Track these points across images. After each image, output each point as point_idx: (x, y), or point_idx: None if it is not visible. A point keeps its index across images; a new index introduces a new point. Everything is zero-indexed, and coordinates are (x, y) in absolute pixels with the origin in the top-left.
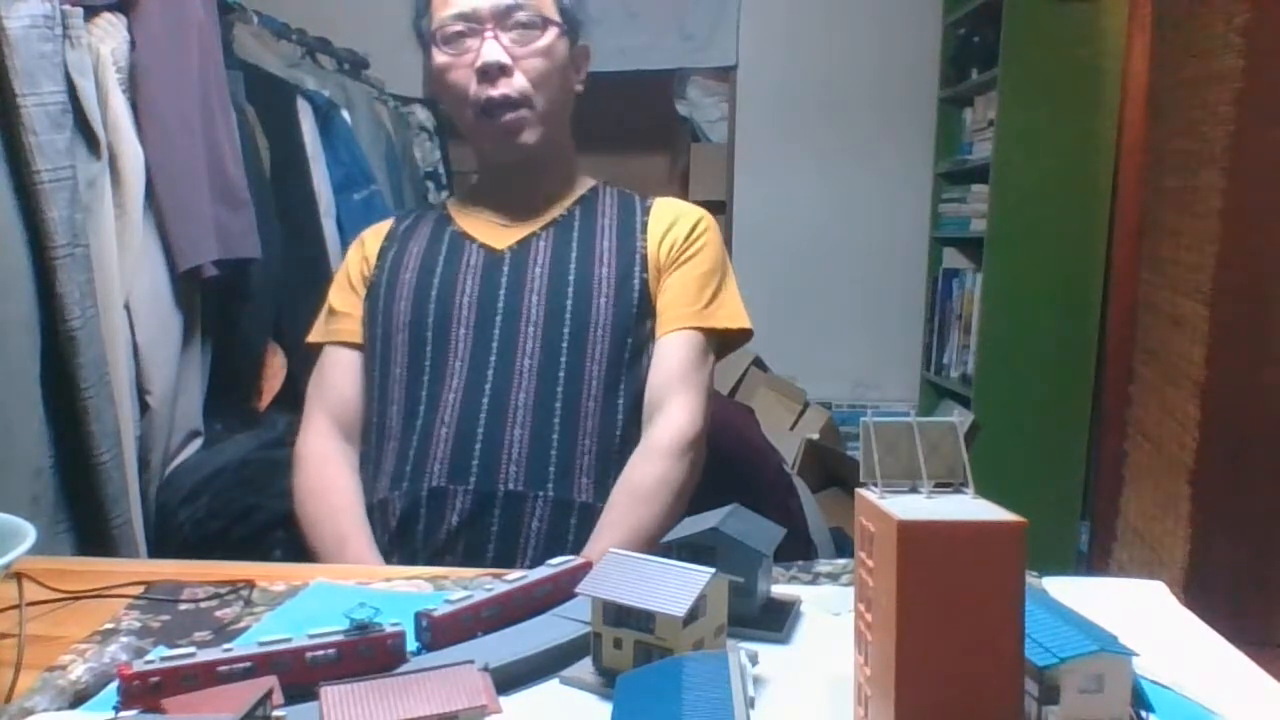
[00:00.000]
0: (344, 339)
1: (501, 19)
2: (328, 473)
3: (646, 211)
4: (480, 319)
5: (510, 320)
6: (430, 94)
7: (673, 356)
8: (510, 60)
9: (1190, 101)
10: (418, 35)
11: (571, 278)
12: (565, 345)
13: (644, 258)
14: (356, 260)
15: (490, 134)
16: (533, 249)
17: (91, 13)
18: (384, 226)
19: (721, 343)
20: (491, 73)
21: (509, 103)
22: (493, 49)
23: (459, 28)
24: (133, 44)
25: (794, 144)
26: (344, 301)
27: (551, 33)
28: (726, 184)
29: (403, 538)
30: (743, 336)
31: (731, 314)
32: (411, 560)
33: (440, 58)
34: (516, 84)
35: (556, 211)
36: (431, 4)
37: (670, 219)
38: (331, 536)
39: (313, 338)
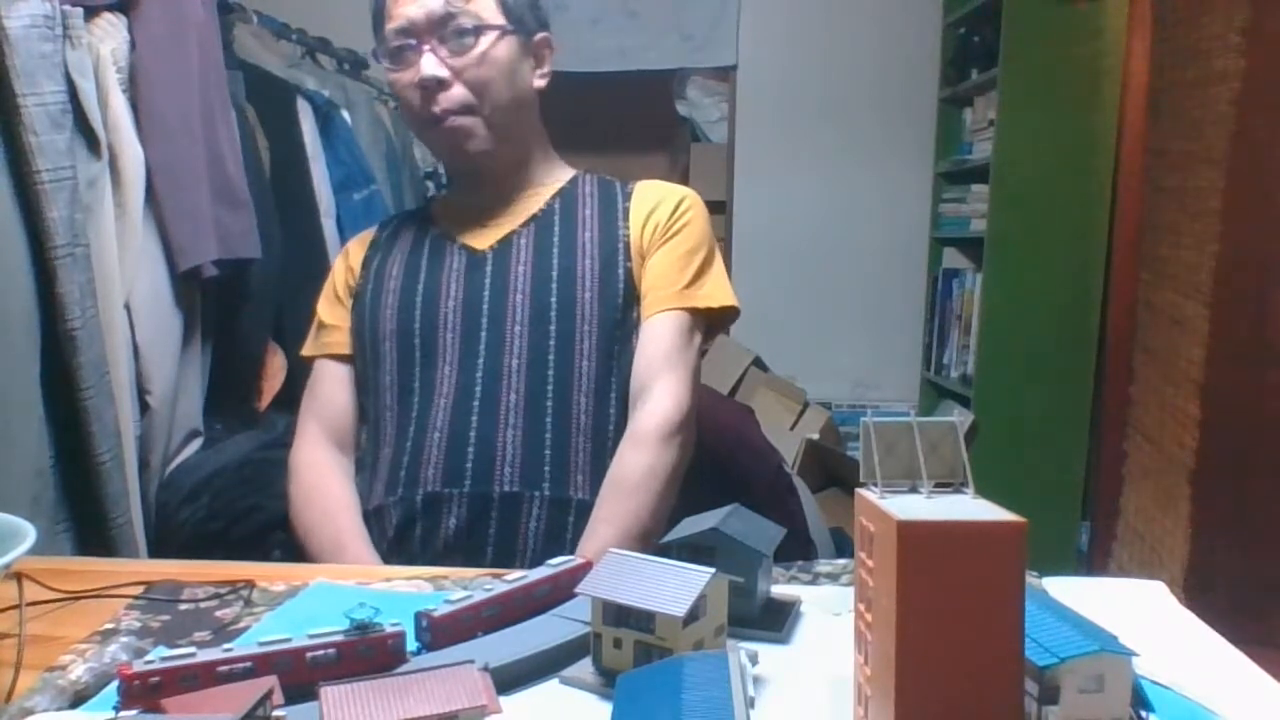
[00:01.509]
0: (334, 352)
1: (438, 30)
2: (322, 480)
3: (628, 197)
4: (466, 323)
5: (496, 322)
6: None
7: (657, 340)
8: (447, 73)
9: (1190, 101)
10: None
11: (555, 274)
12: (553, 343)
13: (627, 246)
14: (341, 271)
15: (440, 144)
16: (514, 247)
17: (91, 13)
18: (368, 235)
19: (708, 322)
20: (430, 87)
21: (451, 115)
22: (429, 63)
23: (399, 42)
24: (133, 44)
25: (794, 144)
26: (331, 314)
27: (489, 38)
28: (726, 184)
29: (400, 544)
30: (730, 315)
31: (716, 292)
32: (410, 565)
33: (389, 73)
34: (456, 96)
35: (536, 206)
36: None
37: (653, 202)
38: (330, 540)
39: (305, 351)
